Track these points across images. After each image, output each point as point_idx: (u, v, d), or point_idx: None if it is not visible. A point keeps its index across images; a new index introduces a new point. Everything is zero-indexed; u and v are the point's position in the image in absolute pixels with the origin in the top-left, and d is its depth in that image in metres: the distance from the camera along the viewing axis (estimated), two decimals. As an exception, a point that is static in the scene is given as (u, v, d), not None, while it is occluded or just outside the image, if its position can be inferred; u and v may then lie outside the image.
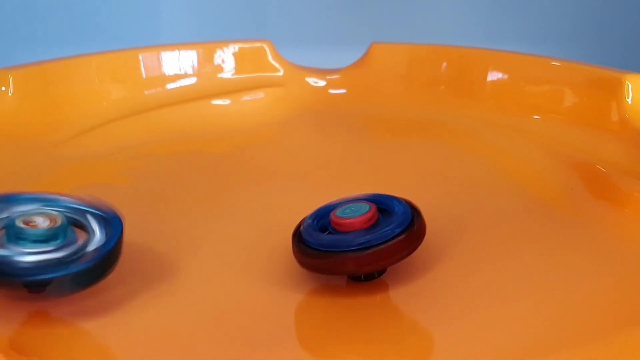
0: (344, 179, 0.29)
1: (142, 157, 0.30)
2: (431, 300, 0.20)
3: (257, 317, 0.19)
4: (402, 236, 0.19)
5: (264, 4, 0.54)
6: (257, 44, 0.38)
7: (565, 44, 0.52)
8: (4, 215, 0.17)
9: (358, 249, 0.18)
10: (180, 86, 0.36)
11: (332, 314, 0.19)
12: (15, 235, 0.16)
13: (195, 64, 0.37)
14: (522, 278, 0.21)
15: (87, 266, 0.16)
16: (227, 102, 0.37)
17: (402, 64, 0.38)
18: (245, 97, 0.36)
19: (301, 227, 0.20)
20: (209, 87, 0.37)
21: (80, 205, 0.18)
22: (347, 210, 0.20)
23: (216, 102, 0.36)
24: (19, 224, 0.16)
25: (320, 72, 0.39)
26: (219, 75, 0.37)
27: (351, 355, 0.18)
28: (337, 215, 0.20)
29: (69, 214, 0.18)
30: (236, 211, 0.26)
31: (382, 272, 0.20)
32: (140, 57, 0.36)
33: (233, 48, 0.38)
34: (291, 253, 0.21)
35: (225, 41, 0.38)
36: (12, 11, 0.51)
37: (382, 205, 0.20)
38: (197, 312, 0.19)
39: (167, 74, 0.36)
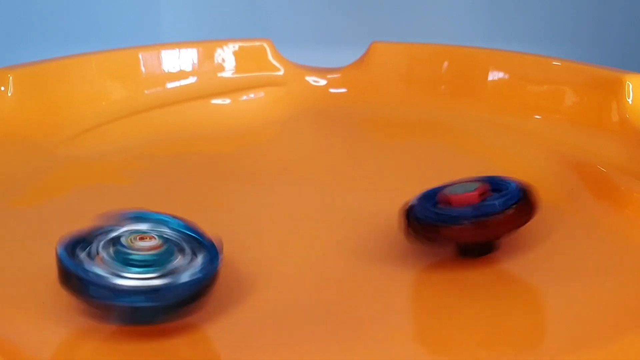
0: (344, 179, 0.29)
1: (142, 157, 0.30)
2: (429, 298, 0.20)
3: (269, 310, 0.19)
4: (515, 207, 0.19)
5: (264, 3, 0.54)
6: (258, 43, 0.38)
7: (565, 44, 0.52)
8: (112, 234, 0.17)
9: (474, 218, 0.19)
10: (180, 85, 0.36)
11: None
12: (119, 257, 0.16)
13: (196, 63, 0.37)
14: (521, 277, 0.21)
15: (175, 301, 0.16)
16: (227, 101, 0.37)
17: (402, 64, 0.38)
18: (246, 97, 0.36)
19: (409, 206, 0.21)
20: (209, 86, 0.37)
21: (182, 227, 0.18)
22: (457, 189, 0.20)
23: (216, 101, 0.36)
24: (126, 245, 0.16)
25: (320, 71, 0.39)
26: (219, 75, 0.37)
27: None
28: (446, 193, 0.20)
29: (174, 238, 0.17)
30: (236, 210, 0.26)
31: (492, 248, 0.20)
32: (140, 56, 0.36)
33: (233, 47, 0.38)
34: (292, 252, 0.21)
35: (225, 40, 0.38)
36: (12, 11, 0.51)
37: (494, 184, 0.20)
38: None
39: (167, 73, 0.36)
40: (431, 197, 0.21)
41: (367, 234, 0.24)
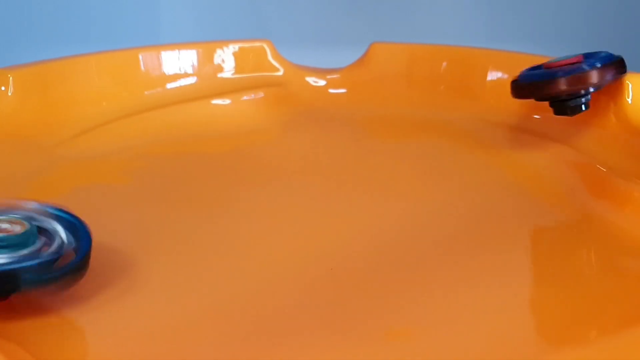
0: (343, 179, 0.29)
1: (142, 157, 0.30)
2: (430, 298, 0.20)
3: (265, 311, 0.19)
4: (600, 67, 0.25)
5: (264, 3, 0.54)
6: (257, 44, 0.38)
7: (565, 44, 0.52)
8: None
9: (569, 73, 0.24)
10: (180, 86, 0.36)
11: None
12: None
13: (195, 64, 0.37)
14: (521, 277, 0.21)
15: (65, 270, 0.17)
16: (227, 101, 0.37)
17: (402, 64, 0.38)
18: (245, 97, 0.36)
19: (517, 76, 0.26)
20: (209, 86, 0.37)
21: (47, 209, 0.18)
22: (559, 59, 0.26)
23: (216, 101, 0.36)
24: None
25: (320, 72, 0.39)
26: (219, 75, 0.37)
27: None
28: (549, 63, 0.26)
29: (34, 220, 0.18)
30: (236, 210, 0.26)
31: (583, 105, 0.25)
32: (140, 57, 0.36)
33: (233, 48, 0.38)
34: (293, 251, 0.21)
35: (225, 41, 0.38)
36: (12, 11, 0.51)
37: (588, 55, 0.26)
38: (202, 307, 0.19)
39: (167, 74, 0.36)
40: (537, 67, 0.26)
41: (367, 234, 0.24)
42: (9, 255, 0.16)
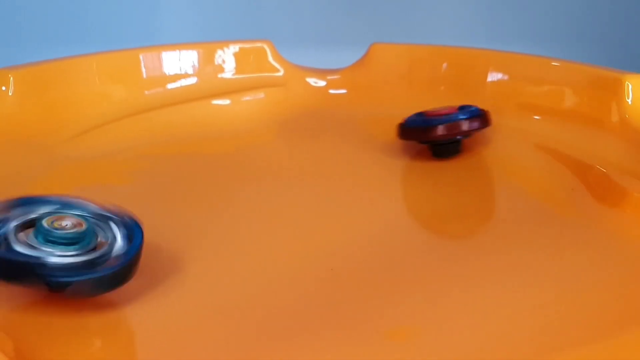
0: (344, 179, 0.29)
1: (142, 157, 0.30)
2: (430, 298, 0.20)
3: (265, 311, 0.19)
4: (471, 118, 0.28)
5: (264, 4, 0.54)
6: (258, 44, 0.38)
7: (565, 44, 0.52)
8: (32, 216, 0.18)
9: (445, 121, 0.28)
10: (181, 86, 0.36)
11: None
12: (43, 236, 0.17)
13: (196, 64, 0.37)
14: (522, 277, 0.21)
15: (111, 272, 0.17)
16: (228, 102, 0.37)
17: (402, 64, 0.38)
18: (246, 97, 0.36)
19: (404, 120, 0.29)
20: (209, 87, 0.37)
21: (104, 212, 0.19)
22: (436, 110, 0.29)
23: (216, 102, 0.37)
24: (47, 225, 0.17)
25: (320, 73, 0.39)
26: (220, 76, 0.37)
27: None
28: (428, 112, 0.29)
29: (92, 219, 0.18)
30: (236, 211, 0.26)
31: (458, 150, 0.29)
32: (140, 57, 0.36)
33: (233, 48, 0.38)
34: (293, 251, 0.21)
35: (225, 41, 0.38)
36: (13, 11, 0.51)
37: (462, 107, 0.29)
38: (203, 307, 0.19)
39: (167, 74, 0.36)
40: (421, 114, 0.29)
41: (367, 234, 0.24)
42: (67, 251, 0.17)
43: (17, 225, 0.17)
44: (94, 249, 0.17)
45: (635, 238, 0.23)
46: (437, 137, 0.28)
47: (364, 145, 0.33)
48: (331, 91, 0.38)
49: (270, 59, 0.38)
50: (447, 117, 0.28)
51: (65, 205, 0.18)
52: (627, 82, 0.30)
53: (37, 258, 0.16)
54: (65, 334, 0.16)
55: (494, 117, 0.30)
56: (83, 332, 0.17)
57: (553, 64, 0.34)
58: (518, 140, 0.32)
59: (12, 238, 0.17)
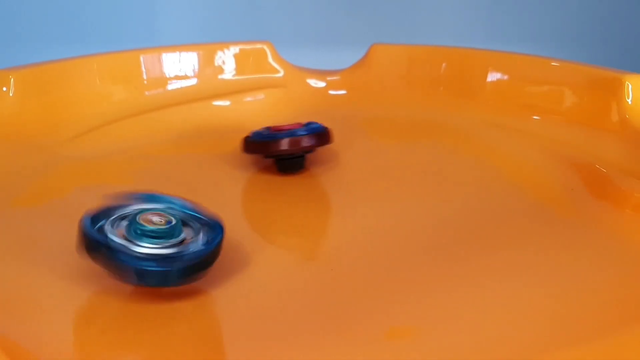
0: (344, 179, 0.29)
1: (142, 158, 0.30)
2: (430, 298, 0.20)
3: (265, 311, 0.19)
4: (314, 134, 0.28)
5: (264, 5, 0.54)
6: (258, 46, 0.38)
7: (565, 44, 0.52)
8: (129, 210, 0.20)
9: (287, 136, 0.28)
10: (181, 87, 0.36)
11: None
12: (135, 229, 0.19)
13: (196, 66, 0.37)
14: (522, 277, 0.21)
15: (189, 264, 0.18)
16: (228, 103, 0.37)
17: (402, 65, 0.38)
18: (246, 98, 0.37)
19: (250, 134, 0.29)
20: (210, 88, 0.37)
21: (192, 211, 0.20)
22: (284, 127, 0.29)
23: (217, 103, 0.37)
24: (140, 220, 0.19)
25: (320, 73, 0.39)
26: (220, 77, 0.37)
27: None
28: (275, 127, 0.29)
29: (180, 217, 0.20)
30: (236, 211, 0.26)
31: (302, 165, 0.29)
32: (141, 58, 0.36)
33: (234, 49, 0.38)
34: (293, 251, 0.21)
35: (225, 42, 0.38)
36: (13, 12, 0.51)
37: (308, 124, 0.29)
38: (197, 307, 0.19)
39: (168, 75, 0.36)
40: (267, 129, 0.29)
41: (367, 234, 0.24)
42: (153, 244, 0.18)
43: (115, 217, 0.19)
44: (178, 244, 0.19)
45: (635, 238, 0.23)
46: (279, 151, 0.28)
47: (363, 145, 0.33)
48: (331, 92, 0.38)
49: (270, 60, 0.38)
50: (289, 132, 0.28)
51: (159, 202, 0.20)
52: (627, 82, 0.30)
53: (125, 246, 0.18)
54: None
55: (494, 117, 0.30)
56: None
57: (553, 64, 0.34)
58: (518, 140, 0.32)
59: (108, 228, 0.19)
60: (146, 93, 0.35)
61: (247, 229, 0.25)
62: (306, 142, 0.28)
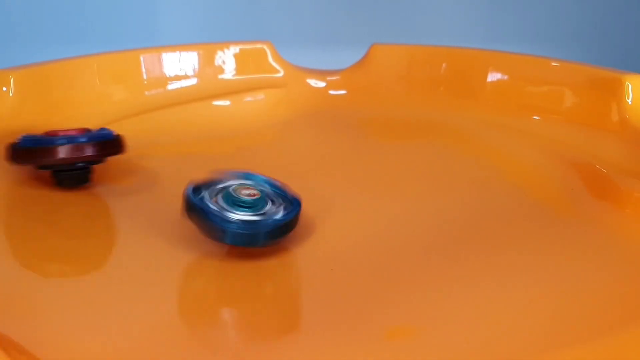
0: (344, 179, 0.29)
1: (142, 158, 0.30)
2: (430, 298, 0.20)
3: (265, 311, 0.19)
4: (99, 142, 0.25)
5: (264, 5, 0.54)
6: (258, 45, 0.38)
7: (565, 44, 0.52)
8: (225, 184, 0.23)
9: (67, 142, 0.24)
10: (181, 87, 0.36)
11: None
12: (228, 200, 0.22)
13: (196, 65, 0.37)
14: (522, 277, 0.21)
15: (269, 229, 0.22)
16: (228, 103, 0.37)
17: (402, 65, 0.38)
18: (246, 98, 0.37)
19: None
20: (210, 88, 0.37)
21: (276, 188, 0.24)
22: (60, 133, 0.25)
23: (217, 103, 0.37)
24: (233, 192, 0.22)
25: (320, 73, 0.39)
26: (220, 77, 0.37)
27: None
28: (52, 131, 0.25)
29: (267, 192, 0.23)
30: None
31: (86, 179, 0.26)
32: (141, 58, 0.36)
33: (234, 49, 0.38)
34: (292, 251, 0.21)
35: (226, 42, 0.38)
36: (13, 12, 0.51)
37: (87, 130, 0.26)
38: (197, 307, 0.19)
39: (168, 75, 0.36)
40: (43, 134, 0.25)
41: (366, 234, 0.24)
42: (242, 212, 0.22)
43: (214, 189, 0.23)
44: (262, 214, 0.22)
45: (635, 238, 0.23)
46: (59, 160, 0.23)
47: (363, 145, 0.33)
48: (331, 92, 0.38)
49: (271, 60, 0.38)
50: (68, 138, 0.24)
51: (251, 179, 0.24)
52: (627, 82, 0.30)
53: (219, 212, 0.21)
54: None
55: (494, 117, 0.30)
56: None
57: (553, 64, 0.34)
58: (518, 140, 0.32)
59: (207, 198, 0.22)
60: (146, 93, 0.35)
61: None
62: (89, 151, 0.24)
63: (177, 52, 0.37)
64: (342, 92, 0.38)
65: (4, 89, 0.31)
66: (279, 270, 0.21)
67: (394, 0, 0.54)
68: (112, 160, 0.30)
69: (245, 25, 0.54)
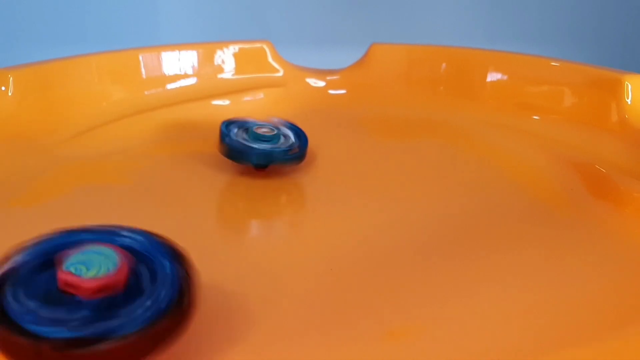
0: (343, 179, 0.29)
1: (142, 158, 0.30)
2: (430, 298, 0.20)
3: (264, 310, 0.19)
4: (156, 326, 0.13)
5: (264, 4, 0.54)
6: (257, 45, 0.38)
7: (565, 44, 0.53)
8: (246, 126, 0.29)
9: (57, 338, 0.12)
10: (181, 86, 0.36)
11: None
12: (252, 136, 0.28)
13: (196, 65, 0.37)
14: (522, 277, 0.21)
15: (297, 155, 0.28)
16: (227, 102, 0.37)
17: (402, 65, 0.38)
18: (245, 98, 0.36)
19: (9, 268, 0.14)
20: (209, 87, 0.37)
21: (282, 126, 0.30)
22: (89, 259, 0.14)
23: (216, 102, 0.37)
24: (254, 130, 0.28)
25: (320, 73, 0.39)
26: (219, 76, 0.37)
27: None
28: (65, 267, 0.14)
29: (278, 127, 0.29)
30: (236, 211, 0.26)
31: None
32: (140, 58, 0.36)
33: (233, 49, 0.38)
34: (292, 251, 0.21)
35: (225, 42, 0.38)
36: (13, 11, 0.51)
37: (144, 258, 0.15)
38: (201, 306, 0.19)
39: (167, 75, 0.36)
40: (45, 263, 0.14)
41: (367, 234, 0.24)
42: (268, 145, 0.28)
43: (238, 129, 0.29)
44: (281, 144, 0.28)
45: (635, 238, 0.23)
46: None
47: (363, 145, 0.33)
48: (331, 91, 0.38)
49: (270, 59, 0.38)
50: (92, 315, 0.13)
51: (265, 124, 0.29)
52: (626, 82, 0.30)
53: (250, 147, 0.28)
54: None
55: (494, 117, 0.30)
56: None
57: (553, 64, 0.34)
58: (518, 140, 0.32)
59: (232, 136, 0.28)
60: (145, 92, 0.35)
61: (246, 228, 0.25)
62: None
63: (177, 52, 0.37)
64: (342, 91, 0.38)
65: (3, 88, 0.31)
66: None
67: (394, 0, 0.54)
68: (112, 160, 0.30)
69: (244, 24, 0.54)
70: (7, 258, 0.15)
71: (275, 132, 0.28)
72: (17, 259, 0.15)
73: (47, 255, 0.15)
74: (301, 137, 0.29)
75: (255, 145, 0.27)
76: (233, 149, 0.27)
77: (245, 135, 0.28)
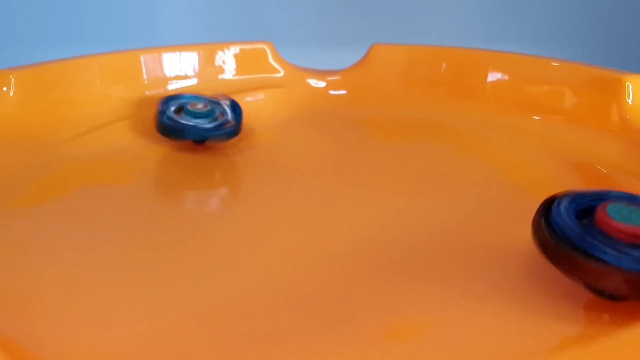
0: (344, 180, 0.29)
1: (142, 157, 0.30)
2: (430, 298, 0.20)
3: (265, 310, 0.19)
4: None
5: (264, 5, 0.54)
6: (258, 46, 0.38)
7: (565, 44, 0.52)
8: (181, 103, 0.31)
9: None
10: (181, 87, 0.36)
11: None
12: (188, 113, 0.30)
13: (196, 66, 0.37)
14: (521, 277, 0.21)
15: (231, 130, 0.30)
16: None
17: (402, 65, 0.38)
18: (246, 98, 0.36)
19: (553, 207, 0.17)
20: (210, 88, 0.37)
21: (215, 99, 0.31)
22: (622, 212, 0.16)
23: (217, 102, 0.36)
24: (190, 107, 0.30)
25: (320, 74, 0.39)
26: (220, 77, 0.37)
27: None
28: (608, 213, 0.16)
29: (211, 103, 0.31)
30: (237, 211, 0.26)
31: None
32: (141, 59, 0.36)
33: (234, 49, 0.38)
34: (293, 252, 0.21)
35: (226, 42, 0.38)
36: (13, 12, 0.51)
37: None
38: (198, 307, 0.19)
39: (168, 75, 0.36)
40: (584, 210, 0.17)
41: (367, 234, 0.24)
42: (202, 120, 0.30)
43: (175, 108, 0.30)
44: (216, 119, 0.30)
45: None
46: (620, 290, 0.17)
47: (364, 145, 0.33)
48: (331, 92, 0.38)
49: (271, 60, 0.38)
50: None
51: (205, 99, 0.31)
52: (627, 82, 0.30)
53: (190, 125, 0.29)
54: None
55: (494, 117, 0.30)
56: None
57: (553, 64, 0.34)
58: (518, 140, 0.32)
59: (170, 114, 0.30)
60: (146, 93, 0.35)
61: (246, 227, 0.25)
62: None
63: (178, 53, 0.37)
64: (343, 92, 0.38)
65: (5, 89, 0.31)
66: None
67: (394, 0, 0.54)
68: (114, 160, 0.30)
69: (245, 25, 0.54)
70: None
71: (210, 107, 0.30)
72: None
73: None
74: (237, 111, 0.31)
75: (188, 122, 0.29)
76: (167, 127, 0.29)
77: (183, 115, 0.30)
